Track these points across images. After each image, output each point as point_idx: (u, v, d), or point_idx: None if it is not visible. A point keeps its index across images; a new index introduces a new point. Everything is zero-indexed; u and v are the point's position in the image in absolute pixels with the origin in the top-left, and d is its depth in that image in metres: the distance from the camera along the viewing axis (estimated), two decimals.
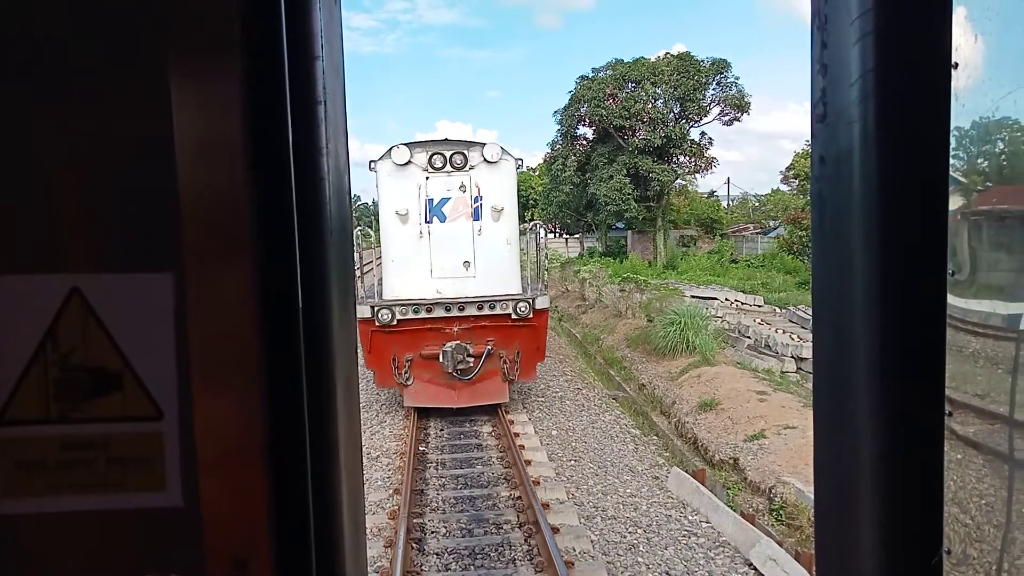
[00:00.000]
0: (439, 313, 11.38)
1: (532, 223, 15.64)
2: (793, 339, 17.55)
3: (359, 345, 4.25)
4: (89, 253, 0.82)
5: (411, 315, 11.37)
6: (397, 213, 11.63)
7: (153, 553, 0.86)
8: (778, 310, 24.19)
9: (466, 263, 11.71)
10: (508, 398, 12.34)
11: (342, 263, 0.98)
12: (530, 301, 11.64)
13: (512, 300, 11.62)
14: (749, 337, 18.74)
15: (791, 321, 21.49)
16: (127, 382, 0.83)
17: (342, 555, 0.99)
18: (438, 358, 11.37)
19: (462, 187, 11.71)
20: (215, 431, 0.85)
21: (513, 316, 11.55)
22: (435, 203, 11.72)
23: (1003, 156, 1.00)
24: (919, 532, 1.10)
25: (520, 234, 13.16)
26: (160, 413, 0.84)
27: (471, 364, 11.56)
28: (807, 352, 16.65)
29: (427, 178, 11.70)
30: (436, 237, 11.66)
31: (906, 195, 0.95)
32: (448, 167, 11.74)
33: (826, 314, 1.17)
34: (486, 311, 11.54)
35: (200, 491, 0.85)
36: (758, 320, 21.21)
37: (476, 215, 11.77)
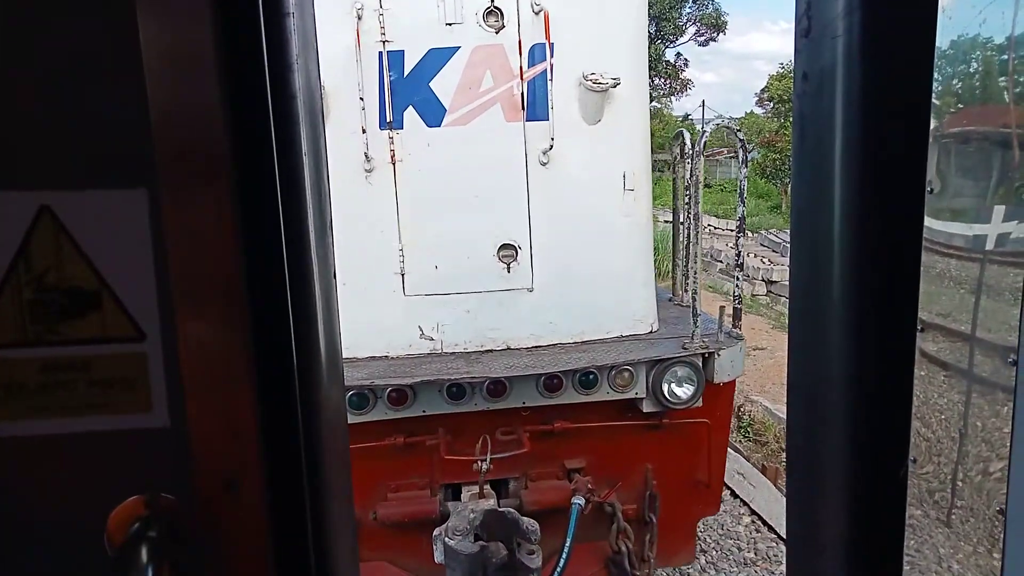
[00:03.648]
0: (428, 403, 3.92)
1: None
2: (764, 263, 17.90)
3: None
4: (57, 170, 0.79)
5: (350, 411, 3.83)
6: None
7: (141, 474, 0.86)
8: (750, 234, 24.54)
9: (506, 250, 4.21)
10: None
11: (316, 182, 0.97)
12: (695, 364, 4.07)
13: (646, 362, 4.05)
14: (721, 261, 19.10)
15: (762, 245, 21.86)
16: (106, 303, 0.81)
17: (330, 473, 0.99)
18: (434, 538, 3.67)
19: (493, 16, 4.14)
20: (200, 351, 0.84)
21: (647, 408, 4.15)
22: (410, 66, 4.13)
23: (986, 74, 0.97)
24: (888, 445, 1.11)
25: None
26: (142, 334, 0.83)
27: (529, 561, 3.58)
28: (777, 276, 17.04)
29: None
30: (414, 177, 4.13)
31: (888, 112, 0.92)
32: None
33: (804, 233, 1.15)
34: (567, 394, 4.03)
35: (187, 411, 0.84)
36: (730, 244, 21.54)
37: (535, 104, 4.19)
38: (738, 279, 4.39)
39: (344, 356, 1.30)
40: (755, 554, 6.52)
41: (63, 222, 0.79)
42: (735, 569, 6.21)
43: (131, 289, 0.81)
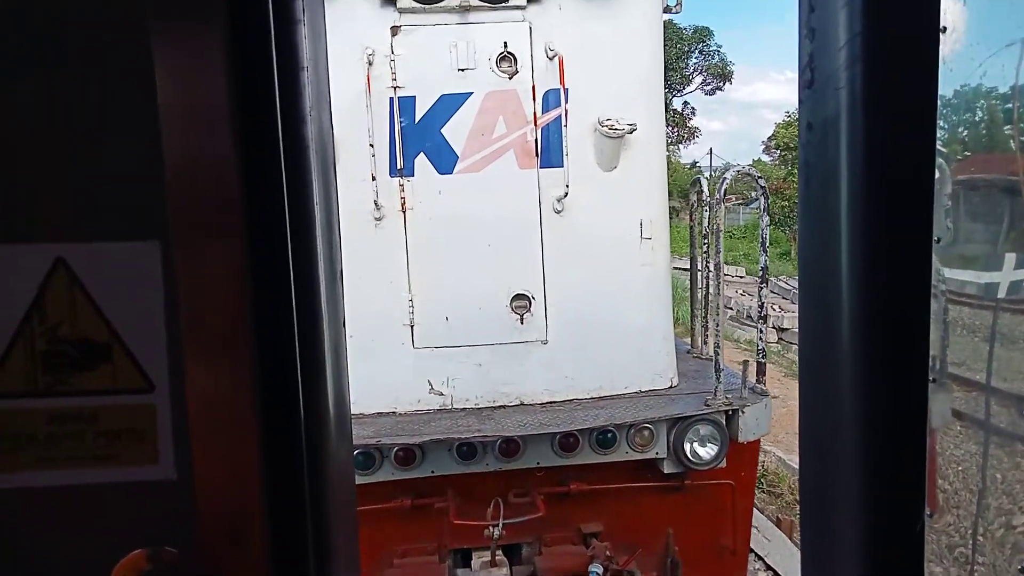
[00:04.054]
0: (438, 463, 3.75)
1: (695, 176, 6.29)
2: (775, 310, 17.76)
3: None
4: (73, 222, 0.81)
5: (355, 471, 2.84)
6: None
7: (146, 527, 0.86)
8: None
9: (519, 301, 4.05)
10: None
11: (327, 233, 0.97)
12: (719, 422, 3.84)
13: (667, 420, 3.84)
14: (731, 308, 18.91)
15: (773, 292, 21.70)
16: (117, 354, 0.82)
17: (335, 528, 0.98)
18: None
19: (506, 62, 4.02)
20: (208, 402, 0.84)
21: (668, 468, 3.94)
22: (422, 112, 4.01)
23: (986, 123, 1.01)
24: (904, 499, 1.10)
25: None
26: (151, 385, 0.83)
27: None
28: (788, 323, 16.87)
29: (394, 28, 4.00)
30: (424, 226, 4.03)
31: (893, 161, 0.94)
32: None
33: (812, 281, 1.16)
34: (584, 454, 3.82)
35: (194, 464, 0.85)
36: (740, 291, 21.40)
37: (549, 150, 4.07)
38: (760, 331, 4.18)
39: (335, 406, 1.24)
40: None
41: (77, 274, 0.80)
42: None
43: (141, 340, 0.82)
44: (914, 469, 1.09)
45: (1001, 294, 1.08)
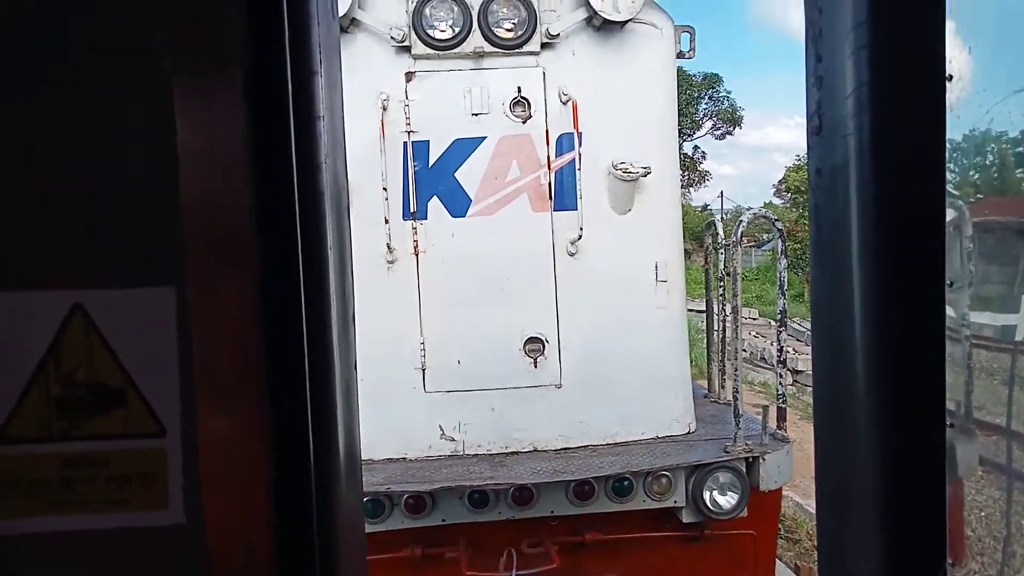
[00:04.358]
0: (449, 512, 3.66)
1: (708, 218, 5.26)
2: (789, 352, 17.54)
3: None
4: (91, 268, 0.82)
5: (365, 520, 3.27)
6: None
7: (155, 572, 0.85)
8: (772, 322, 24.27)
9: (533, 344, 4.02)
10: None
11: (340, 279, 0.97)
12: (739, 469, 3.73)
13: (685, 467, 3.76)
14: (745, 350, 18.76)
15: (787, 334, 21.51)
16: (130, 399, 0.82)
17: (345, 571, 0.97)
18: None
19: (520, 107, 4.04)
20: (218, 447, 0.84)
21: (687, 518, 3.81)
22: (435, 156, 4.05)
23: (997, 167, 1.03)
24: (923, 546, 1.09)
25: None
26: (163, 430, 0.83)
27: None
28: (803, 364, 16.66)
29: (409, 73, 4.03)
30: (437, 269, 4.03)
31: (902, 206, 0.95)
32: (470, 39, 4.02)
33: (825, 324, 1.17)
34: (599, 502, 3.71)
35: (203, 508, 0.84)
36: (753, 333, 21.22)
37: (563, 193, 4.08)
38: (780, 375, 4.10)
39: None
40: None
41: (94, 319, 0.81)
42: None
43: (154, 385, 0.82)
44: (933, 514, 1.07)
45: (1020, 336, 1.08)
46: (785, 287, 3.96)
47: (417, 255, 3.97)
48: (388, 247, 3.93)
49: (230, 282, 0.84)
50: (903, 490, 1.08)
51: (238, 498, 0.86)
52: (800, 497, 8.73)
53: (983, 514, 1.18)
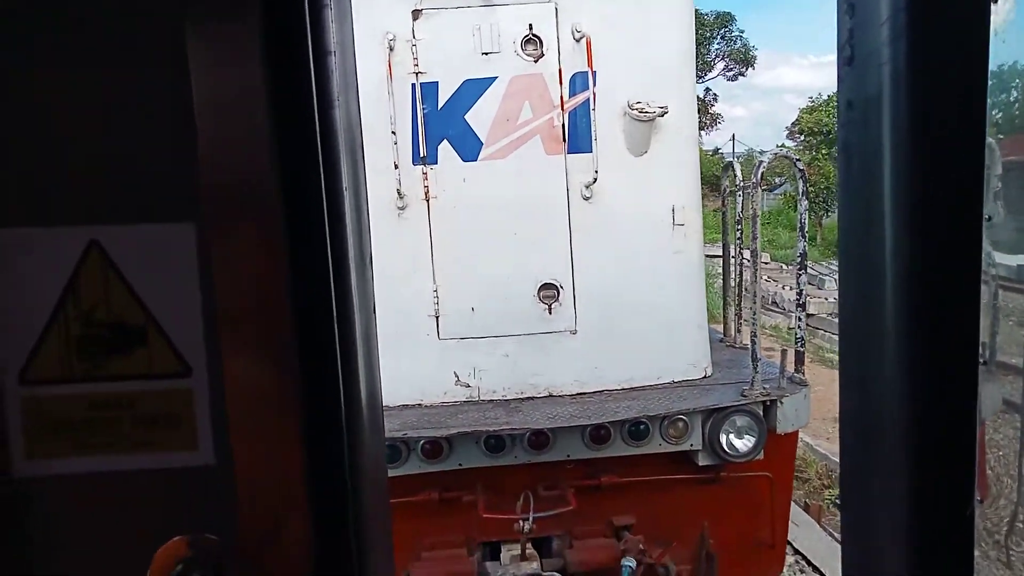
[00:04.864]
0: (465, 456, 3.68)
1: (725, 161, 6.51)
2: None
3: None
4: (106, 204, 0.80)
5: None
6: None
7: (185, 513, 0.84)
8: (784, 266, 24.19)
9: (547, 290, 3.95)
10: None
11: (357, 219, 0.95)
12: (756, 413, 3.71)
13: (702, 411, 3.73)
14: (740, 293, 18.79)
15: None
16: (153, 338, 0.81)
17: (372, 519, 0.96)
18: None
19: (531, 45, 3.89)
20: (246, 386, 0.83)
21: (703, 461, 3.83)
22: (444, 98, 3.90)
23: None
24: (952, 484, 1.06)
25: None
26: (188, 369, 0.82)
27: None
28: (813, 308, 16.63)
29: (415, 11, 3.89)
30: (448, 215, 3.94)
31: (939, 139, 0.90)
32: None
33: (853, 264, 1.12)
34: (616, 446, 3.71)
35: (233, 449, 0.83)
36: (764, 277, 21.16)
37: (577, 135, 3.93)
38: (799, 319, 4.04)
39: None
40: None
41: (111, 256, 0.79)
42: None
43: (177, 323, 0.81)
44: (963, 453, 1.05)
45: None
46: (806, 229, 3.86)
47: (428, 201, 3.88)
48: (398, 193, 3.85)
49: (250, 219, 0.81)
50: (933, 427, 1.06)
51: (269, 440, 0.85)
52: (810, 437, 8.81)
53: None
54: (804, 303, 4.00)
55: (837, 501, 8.18)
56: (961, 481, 1.06)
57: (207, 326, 0.81)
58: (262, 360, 0.83)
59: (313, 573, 0.88)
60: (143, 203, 0.80)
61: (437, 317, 3.88)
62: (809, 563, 6.70)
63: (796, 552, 6.67)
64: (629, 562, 3.63)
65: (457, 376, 3.89)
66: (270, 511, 0.86)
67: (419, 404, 3.87)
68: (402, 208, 3.87)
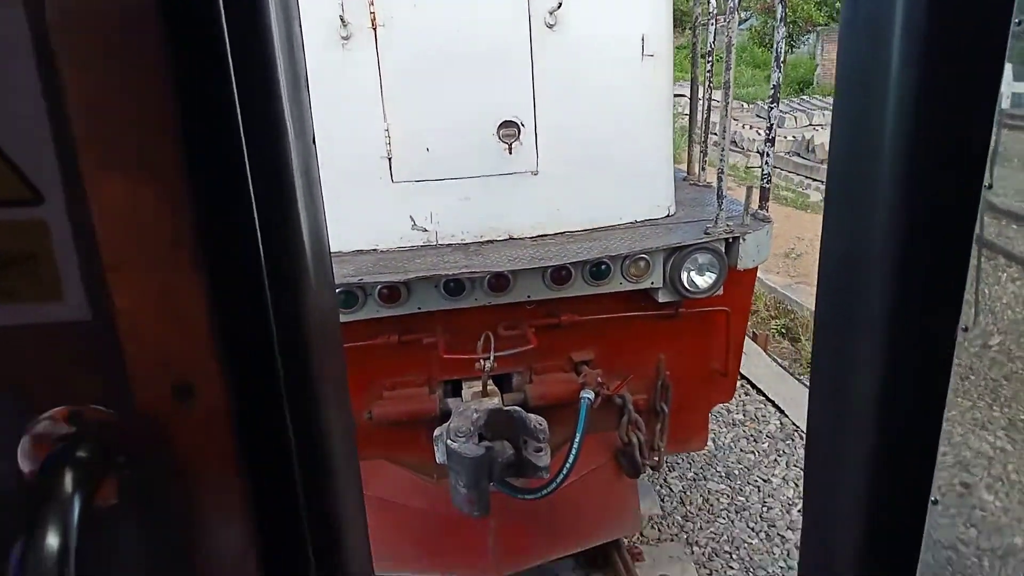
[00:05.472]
0: (424, 300, 3.58)
1: None
2: (759, 134, 17.40)
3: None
4: None
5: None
6: None
7: (61, 382, 0.70)
8: (746, 105, 23.77)
9: (507, 129, 3.65)
10: (640, 521, 4.59)
11: (286, 28, 0.76)
12: (718, 250, 3.67)
13: (664, 249, 3.65)
14: (715, 133, 18.55)
15: (758, 116, 21.11)
16: None
17: (317, 369, 0.83)
18: (435, 439, 3.39)
19: None
20: (123, 221, 0.65)
21: (663, 298, 3.80)
22: None
23: None
24: (941, 308, 1.07)
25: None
26: (39, 196, 0.63)
27: (537, 459, 3.35)
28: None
29: None
30: (398, 45, 3.54)
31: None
32: None
33: (851, 97, 1.07)
34: (576, 286, 3.64)
35: (115, 300, 0.67)
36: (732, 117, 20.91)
37: None
38: (766, 155, 3.92)
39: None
40: (743, 415, 6.65)
41: None
42: (724, 429, 6.34)
43: (17, 135, 0.61)
44: (954, 274, 1.04)
45: None
46: (782, 58, 3.64)
47: (375, 29, 3.50)
48: (341, 20, 3.45)
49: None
50: (922, 262, 1.06)
51: (163, 286, 0.68)
52: (760, 272, 9.07)
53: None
54: (773, 138, 3.85)
55: (783, 331, 8.60)
56: (949, 306, 1.06)
57: (60, 140, 0.62)
58: (142, 185, 0.64)
59: (238, 435, 0.75)
60: None
61: (390, 159, 3.63)
62: (754, 386, 7.11)
63: (743, 377, 7.02)
64: (588, 394, 3.72)
65: (413, 220, 3.74)
66: (173, 376, 0.71)
67: (375, 249, 3.74)
68: (346, 38, 3.49)
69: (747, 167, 16.30)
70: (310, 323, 0.81)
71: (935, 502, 1.22)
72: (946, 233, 1.00)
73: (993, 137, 0.89)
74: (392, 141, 3.60)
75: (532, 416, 3.35)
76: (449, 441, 3.25)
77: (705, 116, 4.48)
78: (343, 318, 3.42)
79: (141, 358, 0.70)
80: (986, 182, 0.95)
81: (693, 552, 4.91)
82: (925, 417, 1.16)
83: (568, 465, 3.58)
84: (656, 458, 4.19)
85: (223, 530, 0.79)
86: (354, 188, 3.58)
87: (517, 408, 3.44)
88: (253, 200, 0.71)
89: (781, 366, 7.48)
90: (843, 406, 1.35)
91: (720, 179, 3.75)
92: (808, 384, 7.09)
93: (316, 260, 0.84)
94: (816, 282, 1.47)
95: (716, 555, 4.89)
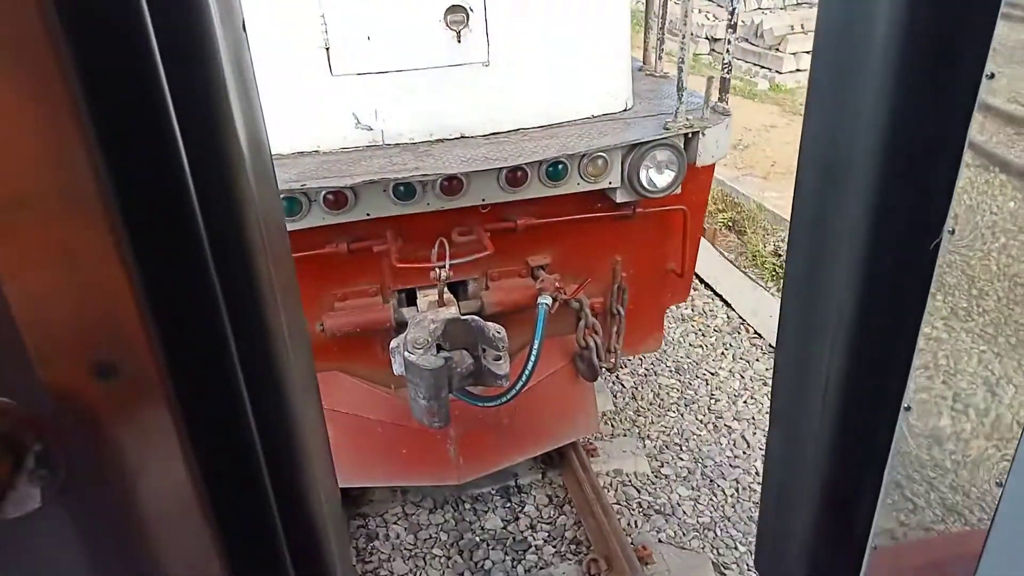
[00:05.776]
0: (373, 205, 3.34)
1: None
2: (708, 19, 16.92)
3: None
4: None
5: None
6: None
7: None
8: None
9: (455, 14, 3.33)
10: (598, 423, 4.60)
11: None
12: (678, 146, 3.52)
13: (623, 147, 3.48)
14: (663, 18, 18.00)
15: None
16: None
17: (264, 279, 0.74)
18: (392, 351, 3.24)
19: None
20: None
21: (620, 198, 3.67)
22: None
23: None
24: (927, 213, 1.07)
25: None
26: None
27: (496, 367, 3.26)
28: (721, 32, 16.21)
29: None
30: None
31: None
32: None
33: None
34: (532, 187, 3.49)
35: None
36: (677, 3, 20.25)
37: None
38: (728, 42, 3.72)
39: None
40: (692, 310, 6.77)
41: None
42: (674, 324, 6.45)
43: None
44: (945, 182, 1.04)
45: None
46: None
47: None
48: None
49: None
50: (911, 171, 1.04)
51: (64, 241, 0.53)
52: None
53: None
54: (735, 23, 3.64)
55: (729, 224, 8.66)
56: (937, 208, 1.06)
57: None
58: (24, 63, 0.48)
59: (181, 398, 0.66)
60: None
61: (327, 49, 3.30)
62: (702, 281, 7.21)
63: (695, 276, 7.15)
64: (545, 300, 3.67)
65: (357, 118, 3.45)
66: (91, 352, 0.57)
67: (316, 151, 3.46)
68: None
69: (695, 54, 15.94)
70: (252, 229, 0.72)
71: (908, 408, 1.22)
72: (934, 139, 1.00)
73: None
74: (329, 29, 3.27)
75: (491, 324, 3.27)
76: (407, 353, 3.13)
77: (663, 1, 4.17)
78: (288, 227, 3.16)
79: (42, 334, 0.55)
80: (987, 71, 0.95)
81: (645, 446, 5.05)
82: (901, 326, 1.16)
83: (527, 372, 3.58)
84: (613, 360, 4.21)
85: (169, 467, 0.72)
86: (290, 83, 3.29)
87: (475, 317, 3.34)
88: (168, 97, 0.56)
89: (728, 260, 7.57)
90: (815, 316, 1.33)
91: (680, 70, 3.57)
92: (751, 276, 7.22)
93: (255, 157, 0.73)
94: (794, 186, 1.40)
95: (667, 448, 5.05)
